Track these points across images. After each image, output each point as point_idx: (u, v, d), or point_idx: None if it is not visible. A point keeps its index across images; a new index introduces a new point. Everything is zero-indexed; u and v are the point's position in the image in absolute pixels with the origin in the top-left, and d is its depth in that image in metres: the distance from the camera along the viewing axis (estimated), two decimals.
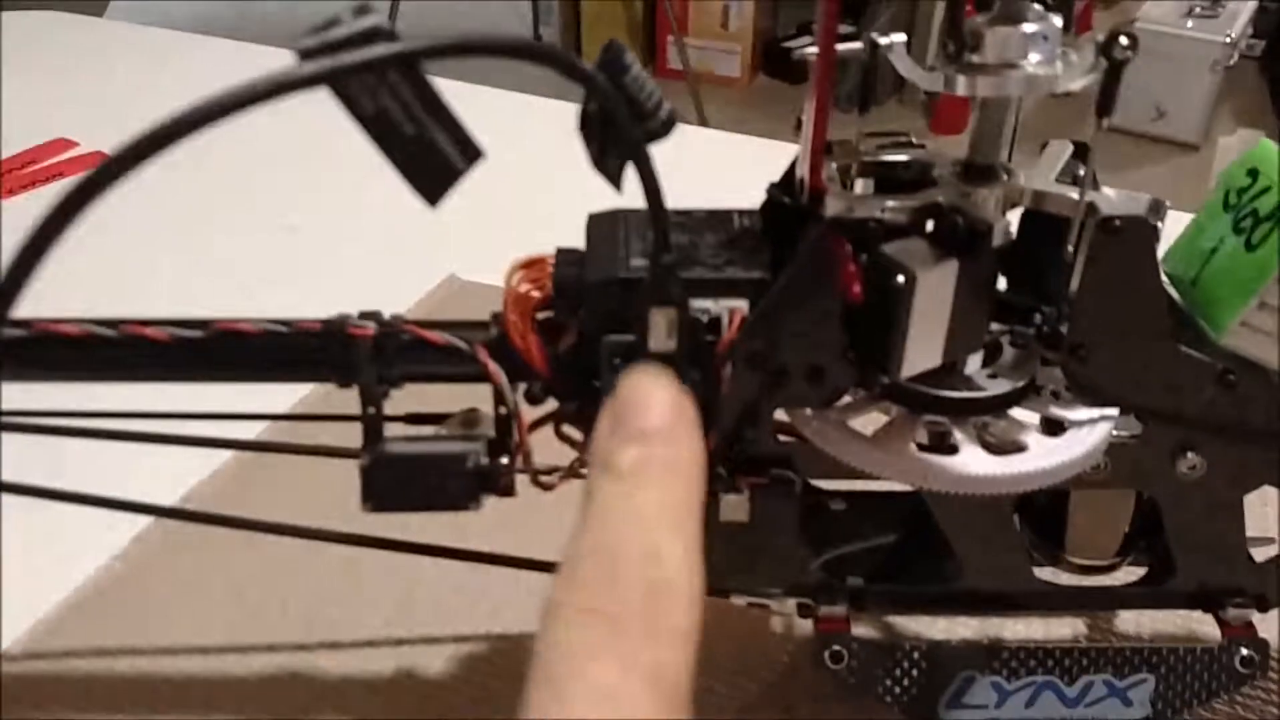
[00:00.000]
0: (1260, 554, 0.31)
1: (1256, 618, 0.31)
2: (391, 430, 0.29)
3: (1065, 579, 0.32)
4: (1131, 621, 0.33)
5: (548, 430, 0.30)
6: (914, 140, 0.28)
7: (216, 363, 0.29)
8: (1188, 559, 0.31)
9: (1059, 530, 0.31)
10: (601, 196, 0.25)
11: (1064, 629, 0.34)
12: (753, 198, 0.28)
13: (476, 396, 0.30)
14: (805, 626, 0.38)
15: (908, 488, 0.28)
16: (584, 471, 0.28)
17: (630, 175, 0.22)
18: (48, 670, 0.37)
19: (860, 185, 0.27)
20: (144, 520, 0.42)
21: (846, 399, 0.28)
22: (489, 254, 0.32)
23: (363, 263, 0.60)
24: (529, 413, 0.29)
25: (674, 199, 0.25)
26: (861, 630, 0.32)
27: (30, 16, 0.90)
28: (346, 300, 0.30)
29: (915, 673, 0.31)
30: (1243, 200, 0.28)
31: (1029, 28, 0.24)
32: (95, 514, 0.35)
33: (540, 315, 0.28)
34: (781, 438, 0.29)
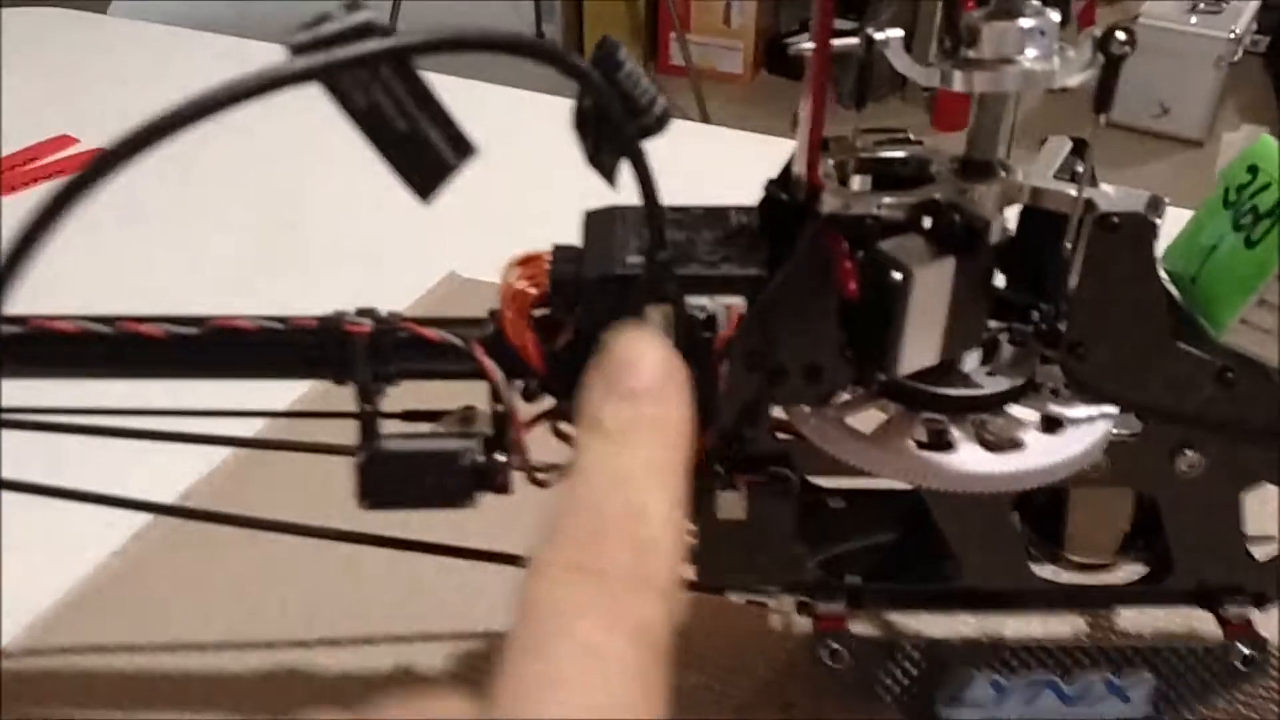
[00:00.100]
0: (1260, 552, 0.31)
1: (1258, 617, 0.31)
2: (388, 428, 0.29)
3: (1064, 577, 0.32)
4: (1131, 621, 0.33)
5: (545, 428, 0.30)
6: (911, 136, 0.28)
7: (212, 360, 0.29)
8: (1186, 557, 0.31)
9: (1058, 528, 0.31)
10: (599, 193, 0.25)
11: (1064, 628, 0.34)
12: (753, 195, 0.28)
13: (473, 394, 0.30)
14: (804, 624, 0.38)
15: (906, 486, 0.28)
16: None
17: (626, 171, 0.22)
18: (47, 667, 0.37)
19: (857, 181, 0.27)
20: (143, 518, 0.42)
21: (844, 396, 0.28)
22: (488, 251, 0.31)
23: (361, 260, 0.60)
24: (525, 410, 0.29)
25: (675, 196, 0.25)
26: (860, 628, 0.32)
27: (32, 13, 0.90)
28: (345, 297, 0.30)
29: (914, 670, 0.31)
30: (1242, 197, 0.27)
31: (1026, 23, 0.24)
32: (94, 512, 0.35)
33: (537, 312, 0.28)
34: (779, 436, 0.29)
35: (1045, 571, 0.32)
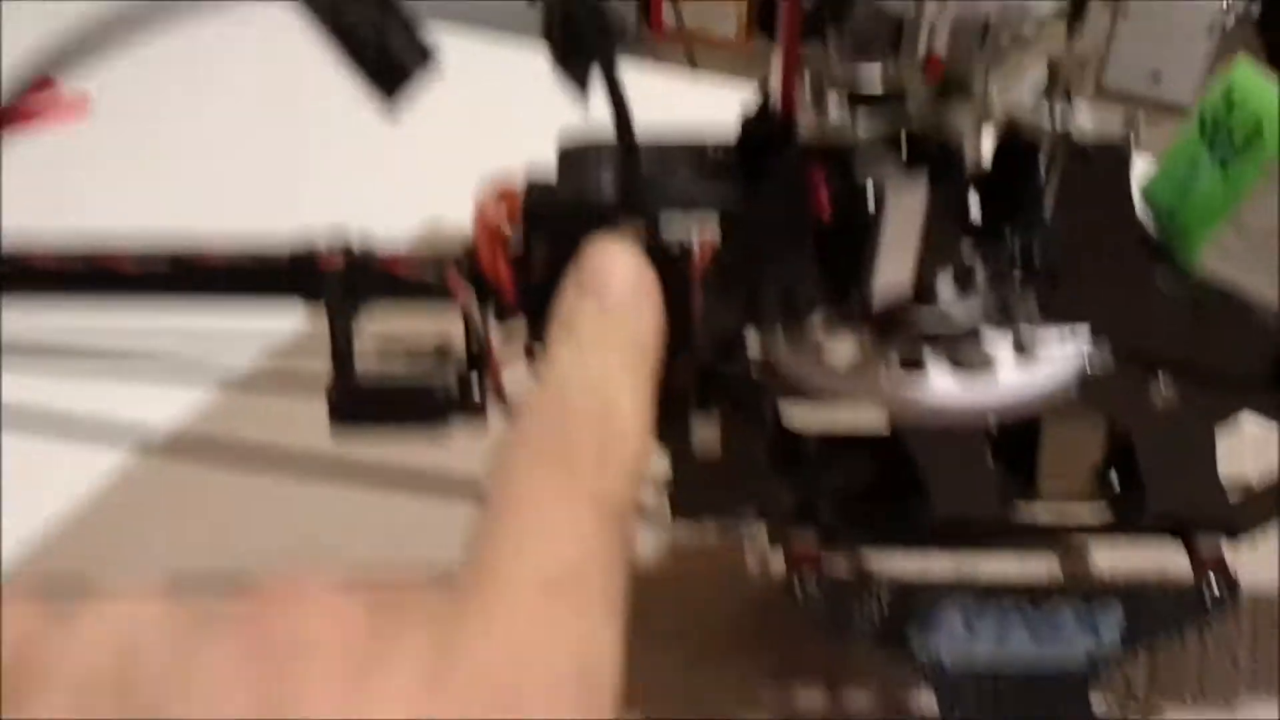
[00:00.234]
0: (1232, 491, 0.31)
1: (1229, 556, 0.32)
2: (362, 359, 0.29)
3: (1037, 512, 0.32)
4: (1102, 557, 0.33)
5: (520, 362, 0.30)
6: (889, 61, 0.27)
7: (184, 294, 0.29)
8: (1159, 489, 0.31)
9: (1030, 464, 0.32)
10: None
11: (1036, 565, 0.34)
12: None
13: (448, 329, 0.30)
14: (775, 566, 0.38)
15: (881, 422, 0.28)
16: None
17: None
18: None
19: (834, 99, 0.27)
20: (126, 455, 0.42)
21: (818, 323, 0.28)
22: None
23: (348, 204, 0.60)
24: (500, 344, 0.29)
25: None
26: (833, 562, 0.32)
27: None
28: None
29: (885, 603, 0.31)
30: (1219, 126, 0.27)
31: None
32: (74, 447, 0.35)
33: (511, 246, 0.28)
34: (753, 364, 0.29)
35: (1018, 506, 0.32)
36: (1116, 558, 0.33)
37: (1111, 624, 0.31)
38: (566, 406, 0.17)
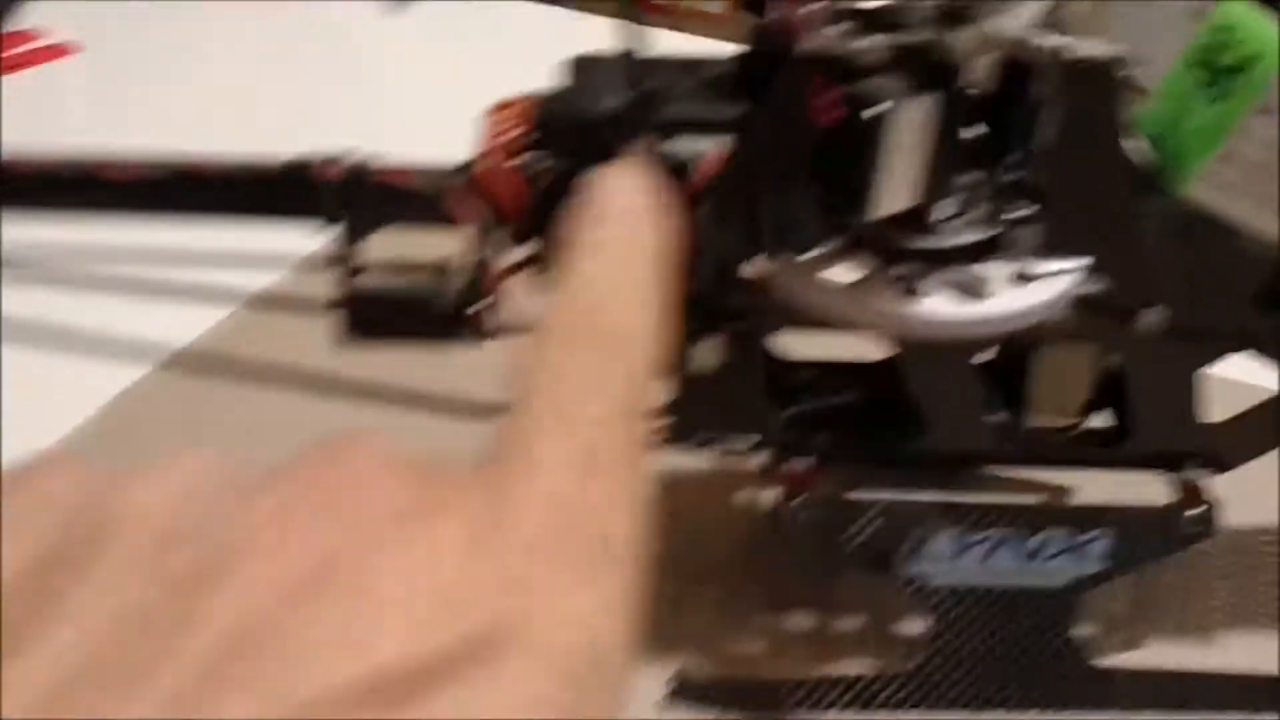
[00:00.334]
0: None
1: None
2: (366, 276, 0.29)
3: (1026, 439, 0.33)
4: (1088, 484, 0.34)
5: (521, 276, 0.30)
6: None
7: (183, 202, 0.29)
8: (1146, 419, 0.31)
9: (1021, 391, 0.32)
10: None
11: (1025, 496, 0.35)
12: None
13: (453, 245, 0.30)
14: (765, 499, 0.39)
15: (875, 351, 0.29)
16: None
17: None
18: None
19: (837, 27, 0.27)
20: (133, 375, 0.42)
21: (817, 250, 0.29)
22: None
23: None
24: (502, 256, 0.29)
25: None
26: (825, 487, 0.32)
27: None
28: None
29: (876, 527, 0.32)
30: (1210, 57, 0.28)
31: None
32: (86, 364, 0.35)
33: (515, 158, 0.28)
34: (751, 289, 0.29)
35: (1009, 435, 0.32)
36: (1102, 487, 0.34)
37: (1097, 550, 0.32)
38: (581, 306, 0.18)
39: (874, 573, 0.33)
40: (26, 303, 0.32)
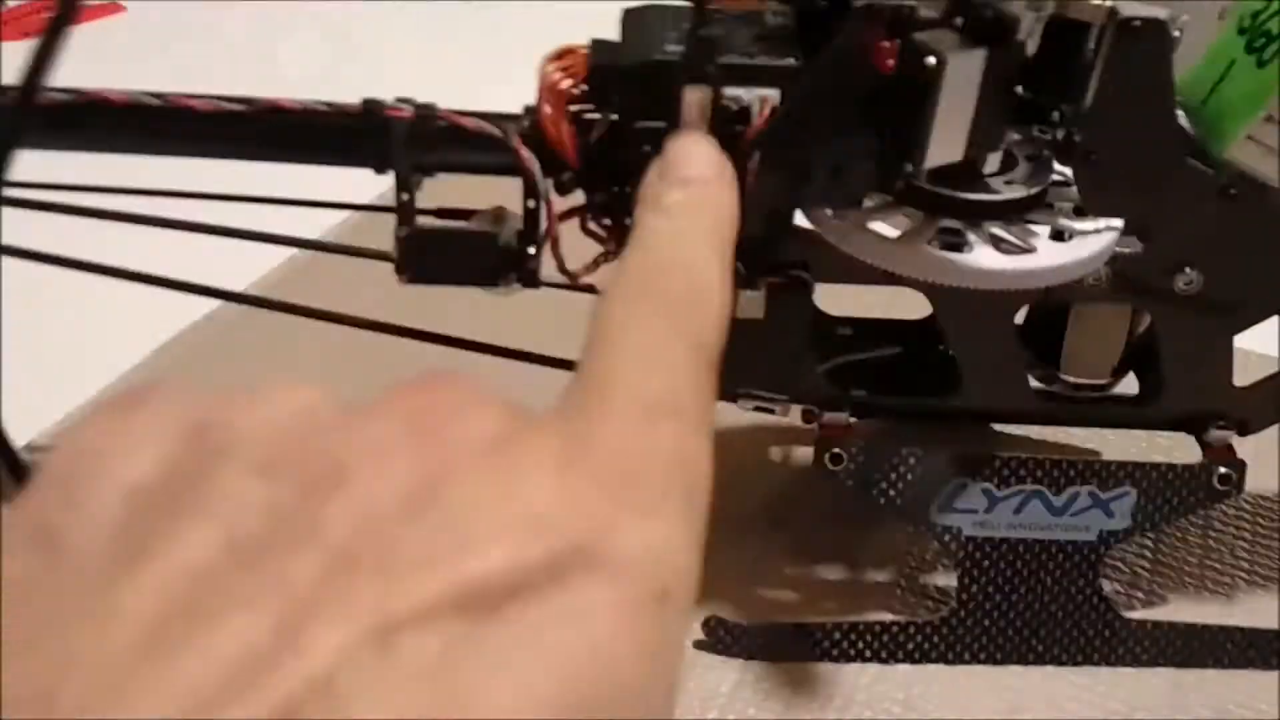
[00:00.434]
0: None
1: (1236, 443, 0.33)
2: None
3: (1060, 397, 0.33)
4: (1117, 441, 0.35)
5: (575, 226, 0.31)
6: None
7: (256, 138, 0.30)
8: (1177, 380, 0.32)
9: (1056, 349, 0.33)
10: None
11: (1055, 454, 0.36)
12: None
13: (507, 198, 0.31)
14: (800, 455, 0.40)
15: (915, 309, 0.29)
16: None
17: None
18: None
19: None
20: (198, 311, 0.42)
21: (867, 203, 0.30)
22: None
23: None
24: (559, 204, 0.30)
25: None
26: (862, 437, 0.33)
27: None
28: None
29: (910, 477, 0.32)
30: (1256, 23, 0.29)
31: None
32: (148, 301, 0.36)
33: (574, 107, 0.29)
34: (800, 239, 0.30)
35: (1041, 391, 0.33)
36: (1131, 444, 0.34)
37: (1124, 505, 0.32)
38: (658, 260, 0.19)
39: (906, 524, 0.34)
40: (94, 238, 0.33)
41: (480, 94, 0.31)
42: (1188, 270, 0.30)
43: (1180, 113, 0.29)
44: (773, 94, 0.27)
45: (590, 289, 0.32)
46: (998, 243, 0.29)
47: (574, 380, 0.17)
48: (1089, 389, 0.33)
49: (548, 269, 0.31)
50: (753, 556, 0.36)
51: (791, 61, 0.27)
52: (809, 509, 0.38)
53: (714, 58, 0.26)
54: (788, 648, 0.34)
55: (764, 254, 0.30)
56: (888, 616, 0.34)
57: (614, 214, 0.30)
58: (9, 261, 0.32)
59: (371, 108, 0.29)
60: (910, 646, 0.34)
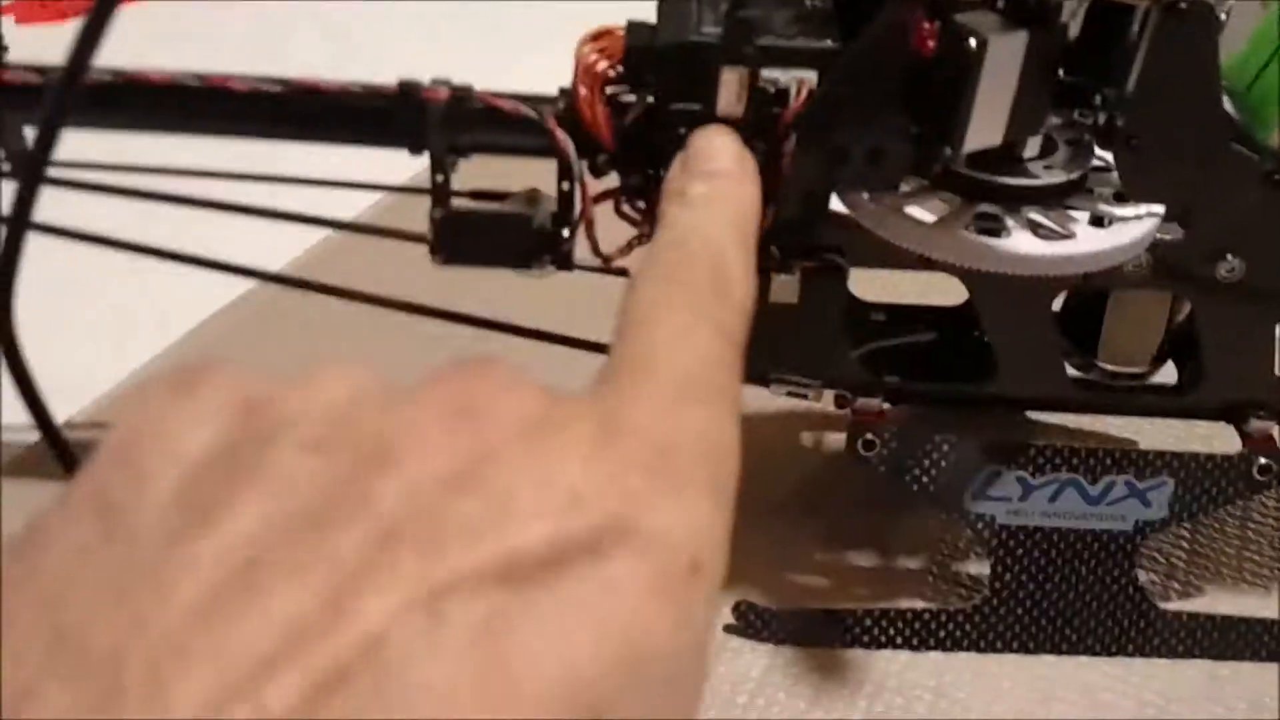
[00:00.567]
0: None
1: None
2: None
3: (1098, 385, 0.33)
4: (1155, 430, 0.35)
5: (608, 210, 0.31)
6: None
7: (292, 119, 0.30)
8: (1217, 369, 0.32)
9: (1094, 336, 0.33)
10: None
11: (1090, 438, 0.36)
12: None
13: (541, 180, 0.31)
14: (834, 441, 0.40)
15: (951, 296, 0.29)
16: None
17: None
18: None
19: None
20: (229, 294, 0.43)
21: (903, 188, 0.29)
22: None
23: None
24: (593, 187, 0.30)
25: None
26: (897, 424, 0.33)
27: None
28: None
29: (944, 464, 0.32)
30: None
31: None
32: (183, 282, 0.36)
33: (609, 89, 0.29)
34: (836, 223, 0.30)
35: (1079, 379, 0.33)
36: (1169, 433, 0.34)
37: (1161, 496, 0.32)
38: (685, 250, 0.20)
39: (940, 510, 0.34)
40: (131, 218, 0.33)
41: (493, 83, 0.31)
42: (1230, 257, 0.30)
43: (1225, 97, 0.29)
44: (810, 76, 0.27)
45: (623, 272, 0.32)
46: (1036, 228, 0.28)
47: (607, 364, 0.17)
48: (1127, 377, 0.33)
49: (581, 251, 0.31)
50: (784, 541, 0.36)
51: (829, 43, 0.27)
52: (841, 495, 0.38)
53: (752, 39, 0.26)
54: (818, 633, 0.34)
55: (799, 238, 0.30)
56: (919, 603, 0.34)
57: (649, 197, 0.30)
58: (49, 240, 0.32)
59: (408, 89, 0.29)
60: (942, 634, 0.34)
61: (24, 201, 0.23)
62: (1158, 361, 0.33)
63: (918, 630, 0.34)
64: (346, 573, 0.12)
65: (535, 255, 0.30)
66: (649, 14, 0.29)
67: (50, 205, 0.30)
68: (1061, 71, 0.28)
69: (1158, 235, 0.29)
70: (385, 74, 0.30)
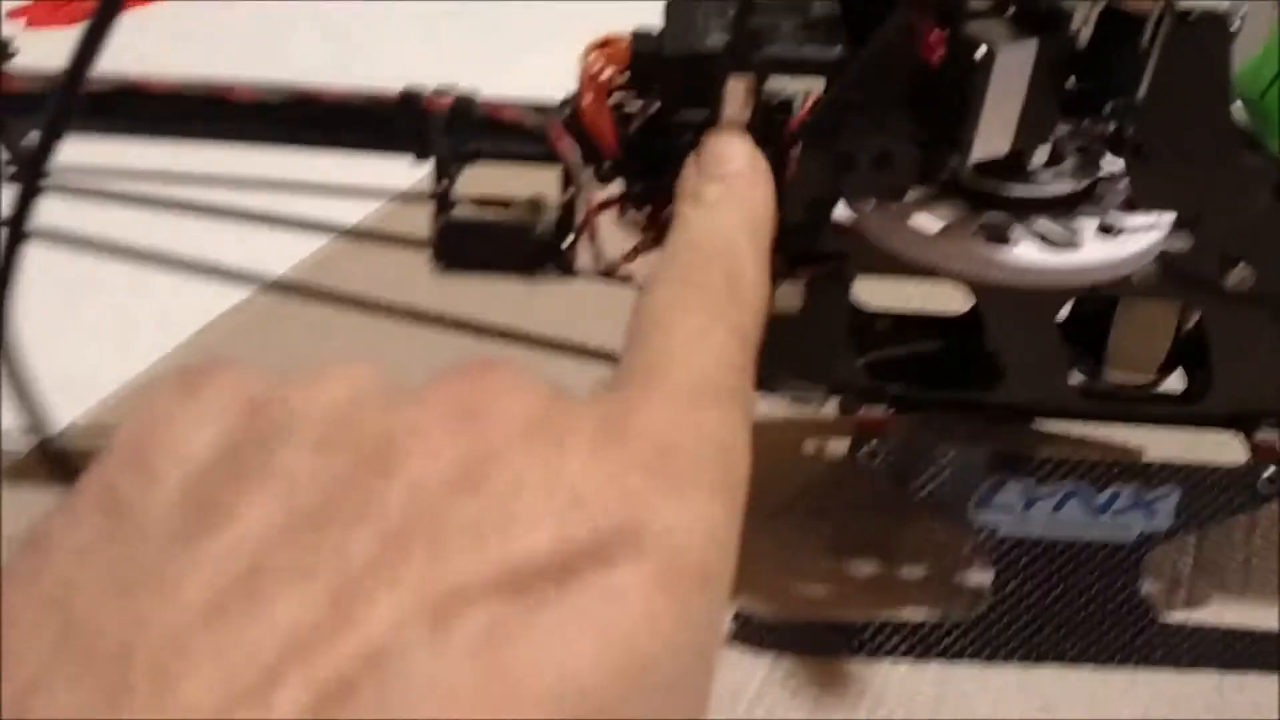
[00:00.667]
0: None
1: None
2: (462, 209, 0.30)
3: (1103, 393, 0.33)
4: (1161, 440, 0.34)
5: (612, 218, 0.30)
6: None
7: (295, 126, 0.30)
8: (1226, 379, 0.32)
9: (1101, 344, 0.32)
10: None
11: (1095, 447, 0.35)
12: None
13: (545, 186, 0.31)
14: (838, 446, 0.39)
15: (956, 304, 0.29)
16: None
17: None
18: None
19: None
20: (230, 300, 0.43)
21: (909, 196, 0.29)
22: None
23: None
24: (597, 194, 0.30)
25: None
26: (900, 433, 0.33)
27: None
28: None
29: (947, 474, 0.32)
30: None
31: None
32: (180, 288, 0.36)
33: (614, 96, 0.29)
34: (841, 231, 0.30)
35: (1085, 388, 0.33)
36: (1175, 443, 0.34)
37: (1167, 506, 0.32)
38: (700, 252, 0.20)
39: (942, 521, 0.33)
40: (132, 224, 0.33)
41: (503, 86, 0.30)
42: (1240, 267, 0.29)
43: (1236, 106, 0.29)
44: (817, 84, 0.27)
45: (627, 279, 0.32)
46: (1043, 237, 0.28)
47: (620, 364, 0.17)
48: (1134, 386, 0.33)
49: (584, 258, 0.31)
50: (786, 547, 0.36)
51: (836, 51, 0.27)
52: (843, 501, 0.38)
53: (758, 48, 0.26)
54: (819, 643, 0.34)
55: (804, 245, 0.30)
56: (921, 613, 0.34)
57: (653, 204, 0.30)
58: (50, 246, 0.32)
59: (410, 96, 0.29)
60: (944, 644, 0.33)
61: (22, 207, 0.23)
62: (1165, 370, 0.33)
63: (919, 641, 0.33)
64: (350, 578, 0.12)
65: (538, 263, 0.30)
66: (647, 14, 0.29)
67: (56, 211, 0.30)
68: (1071, 79, 0.28)
69: (1166, 244, 0.29)
70: (386, 73, 0.30)
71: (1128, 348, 0.32)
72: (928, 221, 0.29)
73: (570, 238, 0.30)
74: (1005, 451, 0.32)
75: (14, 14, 0.65)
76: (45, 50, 0.30)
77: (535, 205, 0.31)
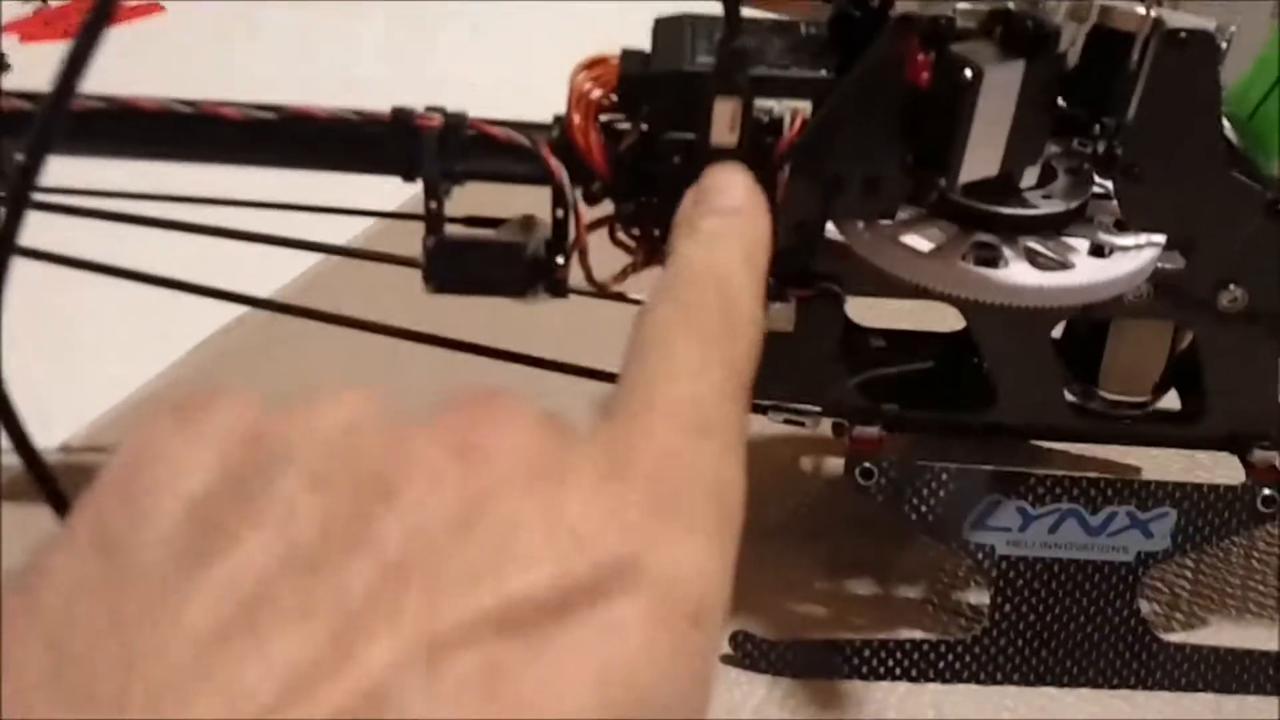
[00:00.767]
0: None
1: None
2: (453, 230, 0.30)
3: (1097, 413, 0.33)
4: (1157, 460, 0.34)
5: (603, 237, 0.30)
6: None
7: (286, 146, 0.30)
8: (1220, 400, 0.31)
9: (1095, 365, 0.32)
10: None
11: (1090, 467, 0.35)
12: None
13: (535, 206, 0.30)
14: (833, 466, 0.39)
15: (948, 323, 0.29)
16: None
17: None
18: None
19: None
20: (221, 319, 0.43)
21: (899, 216, 0.29)
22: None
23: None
24: (587, 214, 0.30)
25: None
26: (894, 453, 0.33)
27: None
28: None
29: (942, 494, 0.32)
30: None
31: None
32: (173, 308, 0.36)
33: (603, 117, 0.29)
34: (832, 252, 0.30)
35: (1079, 408, 0.33)
36: (1170, 464, 0.34)
37: (1163, 526, 0.32)
38: (696, 286, 0.19)
39: (938, 541, 0.33)
40: (123, 243, 0.33)
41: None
42: (1232, 287, 0.29)
43: (1226, 125, 0.28)
44: (805, 106, 0.27)
45: (619, 298, 0.32)
46: (1034, 258, 0.28)
47: (614, 398, 0.17)
48: (1128, 406, 0.33)
49: (575, 278, 0.31)
50: (782, 568, 0.36)
51: (824, 73, 0.27)
52: (839, 521, 0.37)
53: (745, 69, 0.26)
54: (815, 664, 0.33)
55: (794, 266, 0.30)
56: (918, 634, 0.34)
57: (643, 224, 0.30)
58: (39, 266, 0.32)
59: (401, 116, 0.29)
60: (941, 665, 0.33)
61: (9, 226, 0.23)
62: (1159, 390, 0.33)
63: (916, 662, 0.33)
64: (348, 616, 0.12)
65: (529, 283, 0.30)
66: (637, 14, 0.29)
67: (46, 229, 0.30)
68: (1061, 100, 0.28)
69: (1159, 264, 0.29)
70: (384, 71, 0.30)
71: (1121, 368, 0.32)
72: (918, 242, 0.29)
73: (561, 257, 0.30)
74: (1000, 471, 0.32)
75: (7, 28, 0.65)
76: (37, 64, 0.30)
77: (526, 225, 0.31)
